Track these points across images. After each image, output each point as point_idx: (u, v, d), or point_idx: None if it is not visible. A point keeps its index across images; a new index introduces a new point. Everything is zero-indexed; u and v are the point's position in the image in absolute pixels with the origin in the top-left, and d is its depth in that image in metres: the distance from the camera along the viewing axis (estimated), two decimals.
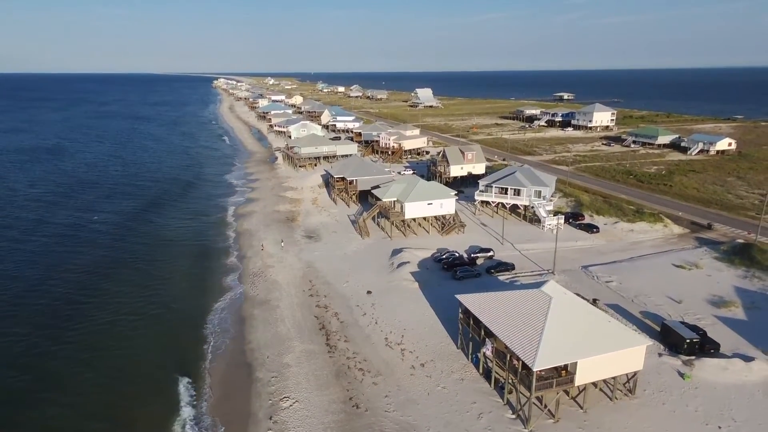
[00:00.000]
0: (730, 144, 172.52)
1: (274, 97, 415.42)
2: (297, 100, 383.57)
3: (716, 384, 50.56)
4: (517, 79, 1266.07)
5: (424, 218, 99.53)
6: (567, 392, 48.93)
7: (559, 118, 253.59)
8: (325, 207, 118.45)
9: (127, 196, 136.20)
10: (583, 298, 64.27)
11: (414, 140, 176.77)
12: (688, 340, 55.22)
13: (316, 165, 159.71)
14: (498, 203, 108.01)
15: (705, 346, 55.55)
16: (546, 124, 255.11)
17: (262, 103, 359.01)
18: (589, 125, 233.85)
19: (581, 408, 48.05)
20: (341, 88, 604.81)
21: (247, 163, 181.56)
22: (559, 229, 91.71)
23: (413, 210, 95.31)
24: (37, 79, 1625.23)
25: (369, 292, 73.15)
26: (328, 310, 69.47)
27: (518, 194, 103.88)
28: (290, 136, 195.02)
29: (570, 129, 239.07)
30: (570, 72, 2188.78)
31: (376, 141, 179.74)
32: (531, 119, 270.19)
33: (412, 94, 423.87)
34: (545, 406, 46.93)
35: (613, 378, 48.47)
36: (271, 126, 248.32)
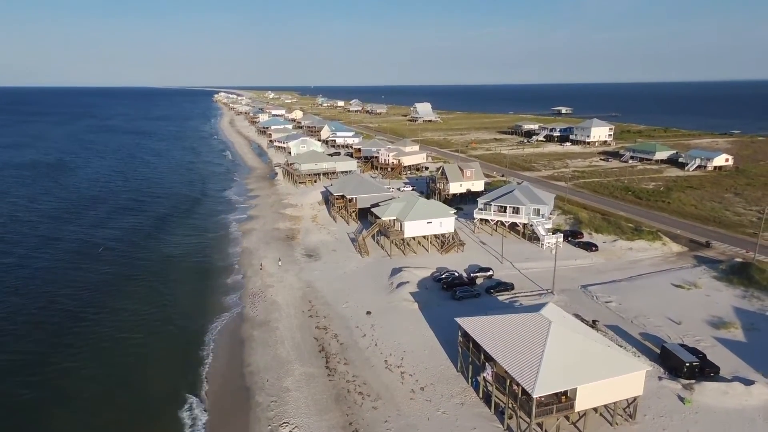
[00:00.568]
0: (727, 160, 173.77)
1: (274, 112, 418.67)
2: (297, 114, 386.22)
3: (716, 408, 50.45)
4: (516, 92, 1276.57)
5: (424, 237, 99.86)
6: (567, 418, 48.82)
7: (557, 133, 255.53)
8: (325, 224, 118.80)
9: (130, 212, 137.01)
10: (582, 319, 64.52)
11: (413, 156, 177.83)
12: (687, 364, 55.21)
13: (315, 181, 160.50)
14: (497, 221, 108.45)
15: (705, 370, 55.52)
16: (544, 139, 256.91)
17: (263, 118, 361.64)
18: (587, 140, 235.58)
19: None
20: (341, 103, 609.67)
21: (247, 179, 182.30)
22: (558, 247, 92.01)
23: (412, 229, 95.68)
24: (37, 92, 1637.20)
25: (369, 313, 73.16)
26: (328, 331, 69.42)
27: (517, 212, 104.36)
28: (290, 152, 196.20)
29: (568, 144, 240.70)
30: (568, 85, 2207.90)
31: (376, 157, 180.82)
32: (529, 134, 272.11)
33: (411, 108, 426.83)
34: None
35: (614, 403, 48.41)
36: (271, 141, 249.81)
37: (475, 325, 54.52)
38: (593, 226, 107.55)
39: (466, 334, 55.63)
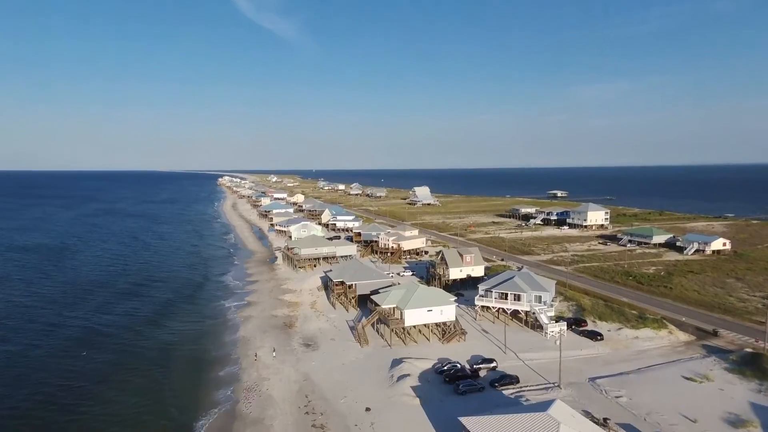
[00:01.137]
0: (724, 244, 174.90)
1: (276, 195, 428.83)
2: (299, 198, 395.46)
3: None
4: (512, 176, 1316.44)
5: (425, 325, 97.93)
6: None
7: (554, 217, 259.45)
8: (324, 311, 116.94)
9: (129, 297, 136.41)
10: (592, 418, 61.54)
11: (413, 240, 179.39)
12: None
13: (315, 266, 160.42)
14: (498, 308, 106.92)
15: None
16: (542, 223, 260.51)
17: (265, 201, 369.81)
18: (584, 223, 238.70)
19: None
20: (342, 186, 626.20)
21: (247, 262, 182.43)
22: (562, 336, 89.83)
23: (413, 317, 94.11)
24: (45, 176, 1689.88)
25: (368, 410, 69.80)
26: (325, 430, 65.78)
27: (518, 299, 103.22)
28: (291, 236, 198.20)
29: (566, 227, 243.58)
30: (562, 169, 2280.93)
31: (376, 241, 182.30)
32: (527, 217, 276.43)
33: (411, 192, 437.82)
34: None
35: None
36: (272, 225, 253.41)
37: (480, 427, 51.90)
38: (596, 314, 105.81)
39: None
